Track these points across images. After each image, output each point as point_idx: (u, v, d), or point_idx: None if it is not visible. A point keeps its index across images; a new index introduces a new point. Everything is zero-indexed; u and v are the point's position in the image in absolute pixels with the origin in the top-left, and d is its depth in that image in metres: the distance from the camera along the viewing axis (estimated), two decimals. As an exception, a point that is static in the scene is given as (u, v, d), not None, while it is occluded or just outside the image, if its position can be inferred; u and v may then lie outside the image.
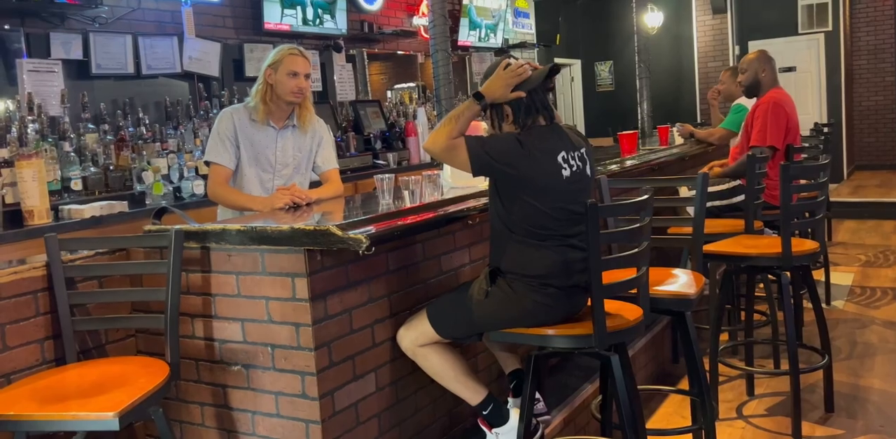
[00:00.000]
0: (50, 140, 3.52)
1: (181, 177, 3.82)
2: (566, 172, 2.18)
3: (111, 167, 3.69)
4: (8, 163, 3.13)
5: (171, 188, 3.74)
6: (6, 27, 3.96)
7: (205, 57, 4.87)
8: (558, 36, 9.21)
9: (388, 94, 6.84)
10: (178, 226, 2.15)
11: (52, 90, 3.98)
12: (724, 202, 4.08)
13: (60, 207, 3.23)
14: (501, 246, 2.24)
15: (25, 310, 2.10)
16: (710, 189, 3.43)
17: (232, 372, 2.19)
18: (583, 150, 2.28)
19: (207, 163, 2.95)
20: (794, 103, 4.13)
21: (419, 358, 2.29)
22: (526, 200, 2.15)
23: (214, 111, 4.55)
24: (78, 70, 4.23)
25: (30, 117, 3.56)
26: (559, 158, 2.18)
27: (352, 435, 2.15)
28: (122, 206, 3.36)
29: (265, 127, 2.92)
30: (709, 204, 3.40)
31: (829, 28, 9.75)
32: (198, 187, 3.76)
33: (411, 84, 7.05)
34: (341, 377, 2.12)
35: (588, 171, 2.28)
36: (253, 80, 2.99)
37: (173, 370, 2.00)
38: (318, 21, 5.65)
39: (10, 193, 3.08)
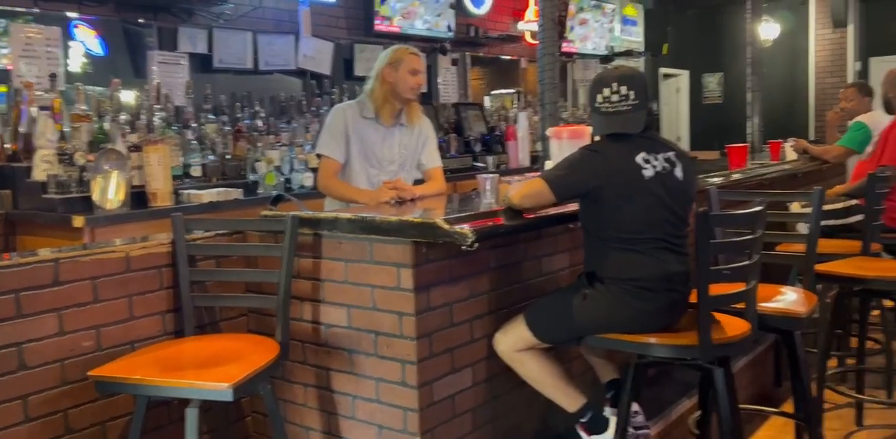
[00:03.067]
0: (174, 128, 3.72)
1: (292, 169, 3.97)
2: (648, 172, 2.16)
3: (228, 156, 3.87)
4: (137, 148, 3.33)
5: (282, 179, 3.89)
6: (140, 21, 4.23)
7: (318, 55, 5.05)
8: (666, 45, 9.03)
9: (486, 98, 6.88)
10: (293, 213, 2.24)
11: (178, 81, 4.22)
12: (839, 222, 3.90)
13: (181, 191, 3.41)
14: (596, 250, 2.24)
15: (151, 283, 2.24)
16: (824, 207, 3.28)
17: (335, 356, 2.26)
18: (671, 154, 2.24)
19: (319, 156, 3.06)
20: None
21: (516, 363, 2.29)
22: (613, 204, 2.14)
23: (325, 108, 4.69)
24: (202, 63, 4.47)
25: (157, 106, 3.78)
26: (638, 159, 2.16)
27: (447, 427, 2.18)
28: (237, 193, 3.52)
29: (375, 123, 3.00)
30: (822, 223, 3.26)
31: (964, 46, 9.15)
32: (307, 179, 3.90)
33: (510, 90, 7.07)
34: (440, 368, 2.16)
35: (679, 174, 2.22)
36: (362, 79, 3.08)
37: (283, 349, 2.08)
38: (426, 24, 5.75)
39: (137, 176, 3.28)
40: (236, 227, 2.46)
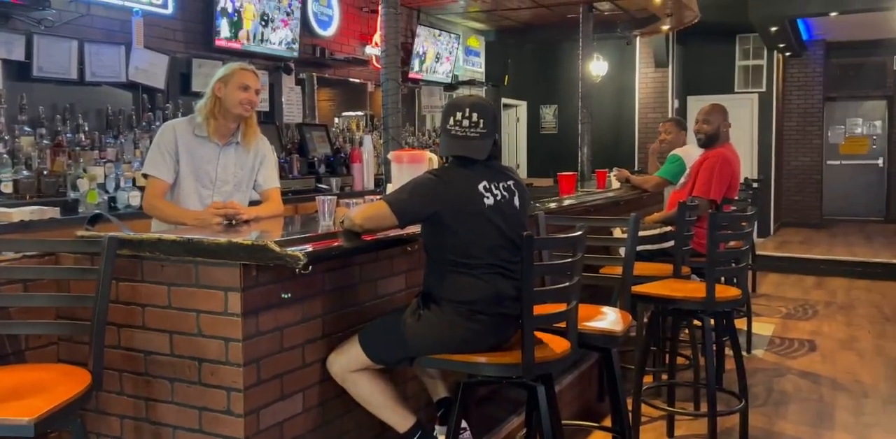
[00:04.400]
0: (-18, 140, 3.42)
1: (117, 187, 3.74)
2: (489, 201, 2.24)
3: (45, 172, 3.59)
4: (-65, 160, 3.02)
5: (105, 197, 3.65)
6: (-54, 22, 3.86)
7: (151, 68, 4.81)
8: (507, 77, 9.45)
9: (336, 120, 6.87)
10: (111, 234, 2.12)
11: (-11, 89, 3.87)
12: (655, 247, 4.21)
13: (-13, 209, 3.12)
14: (434, 271, 2.29)
15: (-59, 309, 2.02)
16: (642, 233, 3.55)
17: (156, 385, 2.14)
18: (510, 183, 2.34)
19: (145, 176, 2.92)
20: (739, 161, 4.34)
21: (349, 384, 2.28)
22: (452, 229, 2.20)
23: (157, 123, 4.48)
24: (19, 71, 4.13)
25: (-37, 115, 3.46)
26: (480, 187, 2.24)
27: (274, 455, 2.12)
28: (53, 212, 3.27)
29: (208, 142, 2.92)
30: (640, 248, 3.51)
31: (763, 89, 10.32)
32: (134, 198, 3.69)
33: (359, 112, 7.10)
34: (268, 395, 2.10)
35: (516, 202, 2.33)
36: (199, 94, 3.00)
37: (95, 380, 1.94)
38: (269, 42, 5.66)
39: (-66, 191, 2.98)
40: (47, 249, 2.27)
